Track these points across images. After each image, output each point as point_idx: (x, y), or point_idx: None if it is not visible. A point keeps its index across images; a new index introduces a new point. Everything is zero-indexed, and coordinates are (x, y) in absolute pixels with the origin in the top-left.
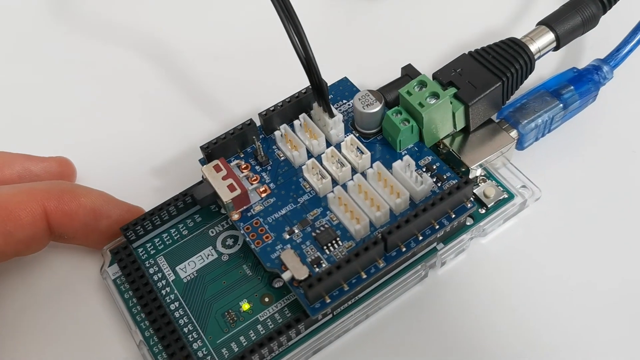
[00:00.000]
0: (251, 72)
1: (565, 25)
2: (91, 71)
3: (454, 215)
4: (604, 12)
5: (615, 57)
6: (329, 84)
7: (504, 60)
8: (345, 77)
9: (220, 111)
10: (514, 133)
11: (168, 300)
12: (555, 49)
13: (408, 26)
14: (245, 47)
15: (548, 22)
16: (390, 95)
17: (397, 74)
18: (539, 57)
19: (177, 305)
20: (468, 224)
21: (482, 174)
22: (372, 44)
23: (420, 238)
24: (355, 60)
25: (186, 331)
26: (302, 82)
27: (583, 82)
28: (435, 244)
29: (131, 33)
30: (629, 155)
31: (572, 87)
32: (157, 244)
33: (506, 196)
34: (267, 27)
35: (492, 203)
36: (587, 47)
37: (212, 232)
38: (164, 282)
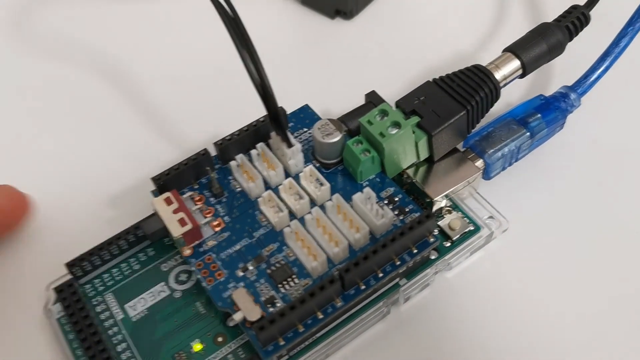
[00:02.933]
0: (214, 97)
1: (531, 52)
2: (44, 94)
3: (416, 251)
4: (570, 39)
5: (582, 84)
6: (291, 111)
7: (468, 88)
8: (307, 105)
9: (181, 138)
10: (479, 163)
11: (115, 341)
12: (522, 76)
13: (376, 50)
14: (207, 70)
15: (513, 49)
16: (352, 123)
17: (363, 100)
18: (504, 85)
19: (124, 347)
20: (432, 257)
21: (448, 204)
22: (339, 68)
23: (381, 275)
24: (321, 84)
25: None
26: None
27: (550, 110)
28: (397, 280)
29: (88, 55)
30: (597, 185)
31: (539, 115)
32: (106, 280)
33: (472, 228)
34: (230, 50)
35: (458, 236)
36: (555, 74)
37: (165, 267)
38: (111, 321)
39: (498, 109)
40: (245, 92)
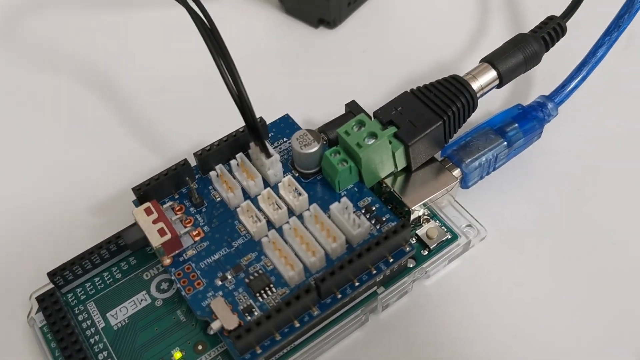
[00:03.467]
0: (199, 106)
1: (508, 63)
2: (29, 100)
3: (392, 260)
4: (547, 49)
5: (560, 94)
6: (271, 121)
7: (445, 99)
8: (287, 114)
9: (166, 147)
10: (457, 172)
11: (96, 350)
12: (499, 86)
13: (358, 59)
14: (192, 79)
15: (490, 60)
16: (332, 133)
17: (344, 109)
18: (481, 95)
19: (105, 355)
20: (410, 266)
21: (426, 213)
22: (322, 76)
23: (357, 284)
24: (303, 94)
25: None
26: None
27: (528, 120)
28: (375, 288)
29: (73, 63)
30: (574, 193)
31: (516, 125)
32: (89, 289)
33: (450, 237)
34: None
35: (435, 244)
36: (534, 83)
37: (147, 276)
38: (93, 329)
39: (477, 117)
40: (229, 101)
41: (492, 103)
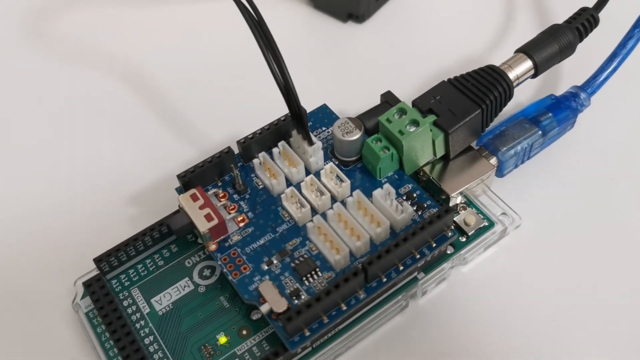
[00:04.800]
0: (230, 98)
1: (543, 53)
2: (66, 96)
3: (434, 245)
4: (581, 39)
5: (592, 85)
6: (308, 111)
7: (483, 88)
8: (325, 104)
9: (199, 138)
10: (493, 160)
11: (142, 334)
12: (534, 76)
13: (388, 52)
14: (223, 72)
15: (526, 50)
16: (369, 122)
17: (377, 101)
18: (517, 85)
19: (151, 340)
20: (449, 252)
21: (462, 201)
22: (352, 69)
23: (401, 268)
24: (335, 86)
25: None
26: (281, 107)
27: (561, 109)
28: (415, 274)
29: (107, 58)
30: (607, 182)
31: (550, 114)
32: (132, 276)
33: (486, 224)
34: (245, 52)
35: (473, 231)
36: (564, 74)
37: (189, 263)
38: (138, 315)
39: (509, 109)
40: (261, 93)
41: (522, 95)
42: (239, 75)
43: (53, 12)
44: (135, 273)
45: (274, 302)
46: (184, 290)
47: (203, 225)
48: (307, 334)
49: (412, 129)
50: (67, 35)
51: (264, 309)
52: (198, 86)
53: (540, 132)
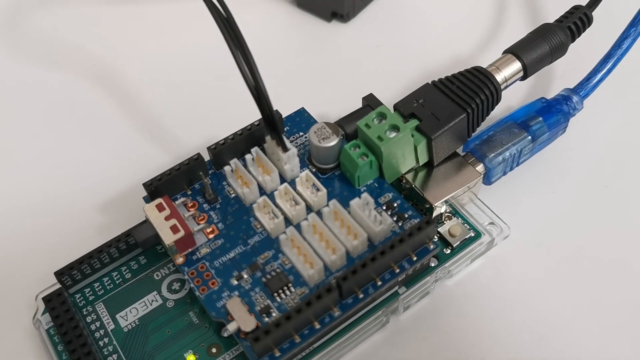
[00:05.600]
0: (209, 102)
1: (533, 53)
2: (33, 97)
3: (415, 258)
4: (573, 40)
5: (585, 87)
6: (286, 115)
7: (468, 91)
8: (303, 108)
9: (175, 144)
10: (480, 167)
11: (106, 353)
12: (523, 78)
13: (373, 53)
14: (202, 74)
15: (514, 51)
16: (350, 127)
17: (360, 104)
18: (505, 87)
19: (115, 358)
20: (432, 265)
21: (448, 210)
22: (336, 71)
23: (379, 283)
24: (317, 88)
25: None
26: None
27: (552, 113)
28: (396, 288)
29: (78, 59)
30: (601, 190)
31: (540, 118)
32: (97, 289)
33: (473, 235)
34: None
35: (458, 242)
36: (556, 77)
37: (158, 276)
38: (102, 331)
39: (498, 113)
40: (239, 96)
41: (511, 98)
42: (219, 77)
43: (23, 12)
44: (100, 286)
45: (242, 320)
46: (151, 305)
47: (168, 238)
48: (277, 354)
49: (393, 134)
50: (38, 35)
51: (232, 327)
52: (175, 89)
53: (529, 137)
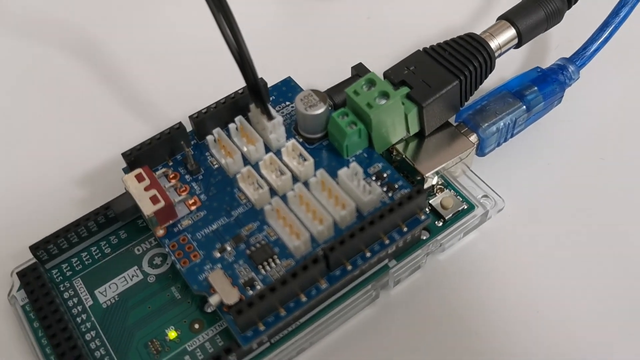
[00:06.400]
0: (192, 73)
1: (528, 20)
2: (11, 68)
3: (406, 229)
4: (569, 6)
5: (581, 56)
6: (271, 84)
7: (461, 57)
8: (289, 77)
9: (157, 115)
10: (473, 137)
11: (83, 329)
12: (517, 46)
13: (362, 25)
14: (185, 45)
15: (509, 17)
16: (338, 97)
17: (350, 74)
18: (499, 55)
19: (93, 335)
20: (424, 238)
21: (440, 182)
22: (324, 42)
23: (368, 254)
24: (305, 59)
25: None
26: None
27: (547, 83)
28: (386, 261)
29: (55, 30)
30: (597, 163)
31: (535, 88)
32: (75, 265)
33: (466, 207)
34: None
35: (450, 215)
36: (551, 46)
37: (139, 250)
38: (79, 308)
39: (492, 82)
40: (222, 70)
41: (505, 69)
42: (202, 50)
43: None
44: (78, 262)
45: (224, 293)
46: (131, 280)
47: (148, 208)
48: (262, 328)
49: (382, 101)
50: (16, 5)
51: (214, 300)
52: (156, 62)
53: (524, 107)
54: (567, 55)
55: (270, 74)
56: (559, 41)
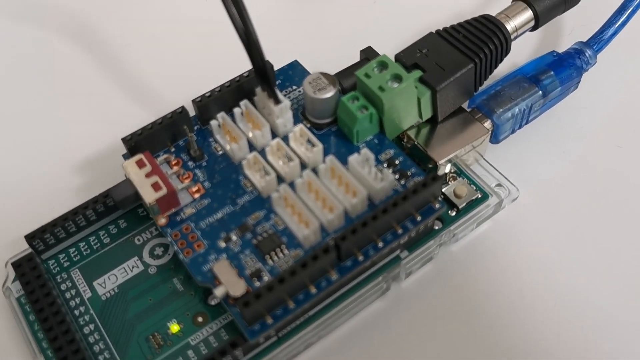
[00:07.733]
0: (195, 58)
1: (545, 1)
2: (10, 54)
3: (419, 218)
4: None
5: (598, 40)
6: (277, 68)
7: (476, 40)
8: (296, 60)
9: (159, 100)
10: (487, 123)
11: (82, 322)
12: (534, 28)
13: (372, 8)
14: (188, 28)
15: None
16: (347, 81)
17: (359, 57)
18: (515, 37)
19: (91, 329)
20: (436, 228)
21: (453, 170)
22: (332, 25)
23: (381, 245)
24: (312, 43)
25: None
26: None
27: (564, 67)
28: (398, 252)
29: (54, 13)
30: (614, 150)
31: (552, 73)
32: (73, 255)
33: (480, 196)
34: (207, 3)
35: (464, 204)
36: (568, 28)
37: (139, 240)
38: (77, 300)
39: (506, 67)
40: (228, 49)
41: (519, 54)
42: (208, 31)
43: None
44: (76, 252)
45: (230, 284)
46: (132, 271)
47: (150, 196)
48: (270, 321)
49: (395, 85)
50: None
51: (219, 292)
52: (158, 47)
53: (540, 92)
54: (584, 39)
55: (275, 59)
56: (577, 23)
